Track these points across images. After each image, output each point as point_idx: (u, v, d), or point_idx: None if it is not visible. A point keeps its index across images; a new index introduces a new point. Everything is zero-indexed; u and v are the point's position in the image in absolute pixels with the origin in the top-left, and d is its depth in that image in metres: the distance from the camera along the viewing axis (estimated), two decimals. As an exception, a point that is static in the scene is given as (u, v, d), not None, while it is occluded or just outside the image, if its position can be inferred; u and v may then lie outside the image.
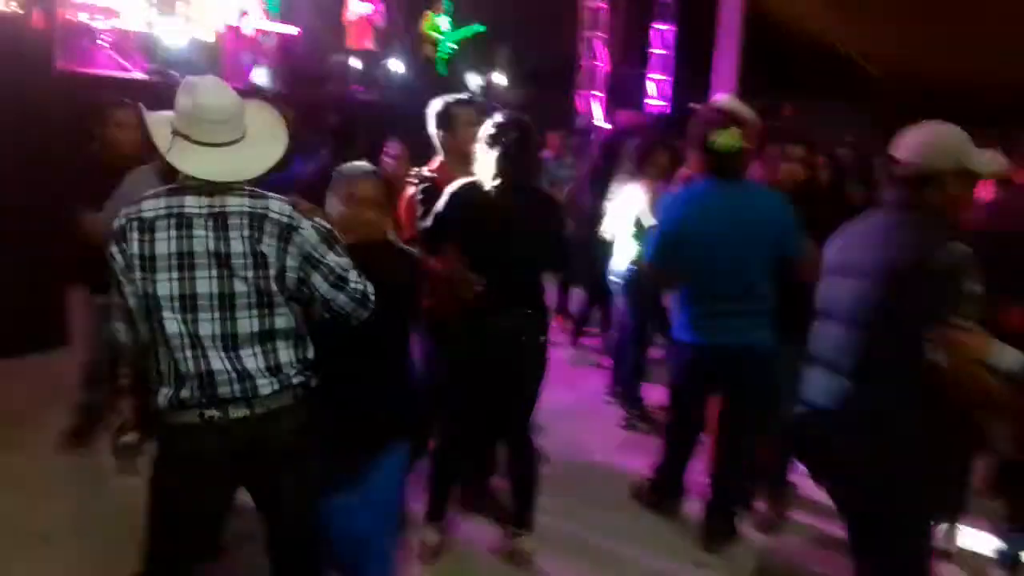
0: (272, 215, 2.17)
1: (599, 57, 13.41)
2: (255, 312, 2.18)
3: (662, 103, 14.36)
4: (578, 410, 5.31)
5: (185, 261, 2.13)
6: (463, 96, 3.74)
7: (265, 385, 2.20)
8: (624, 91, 13.44)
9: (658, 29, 14.33)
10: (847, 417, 2.37)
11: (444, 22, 11.42)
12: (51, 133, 5.62)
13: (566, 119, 12.33)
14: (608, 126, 12.41)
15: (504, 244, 3.18)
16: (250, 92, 8.19)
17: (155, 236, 2.13)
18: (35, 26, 7.78)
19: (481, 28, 11.42)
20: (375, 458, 2.62)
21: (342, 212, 2.58)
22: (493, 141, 3.21)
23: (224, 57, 9.41)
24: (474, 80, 11.51)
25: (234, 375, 2.17)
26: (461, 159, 3.46)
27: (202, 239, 2.13)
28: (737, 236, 3.34)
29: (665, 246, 3.46)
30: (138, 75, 8.42)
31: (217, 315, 2.15)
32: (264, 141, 2.27)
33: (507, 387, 3.34)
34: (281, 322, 2.23)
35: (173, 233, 2.13)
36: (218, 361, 2.16)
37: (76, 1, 8.44)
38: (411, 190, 3.63)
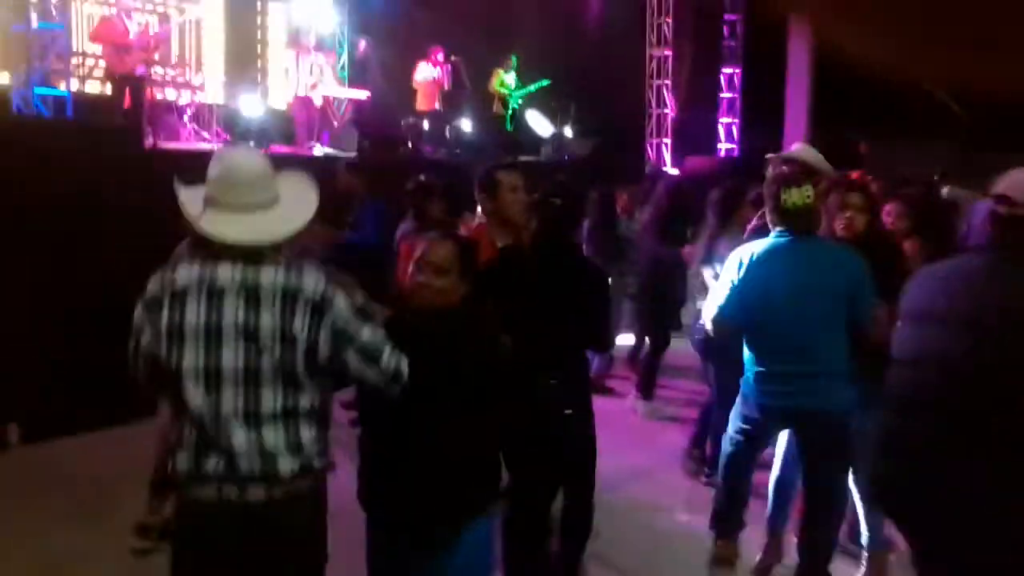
0: (305, 290, 2.16)
1: (667, 104, 13.39)
2: (280, 389, 2.16)
3: (733, 146, 14.25)
4: (654, 467, 5.16)
5: (212, 333, 2.13)
6: (509, 160, 3.79)
7: (286, 464, 2.17)
8: (693, 136, 13.37)
9: (726, 73, 14.27)
10: (957, 476, 2.20)
11: (511, 79, 11.59)
12: (144, 209, 5.83)
13: (636, 168, 12.31)
14: (677, 172, 12.36)
15: (534, 310, 3.11)
16: (322, 160, 8.43)
17: (185, 307, 2.15)
18: (125, 107, 8.22)
19: (546, 82, 11.54)
20: (460, 531, 2.52)
21: (412, 275, 2.54)
22: (537, 208, 3.24)
23: (297, 125, 9.72)
24: (539, 124, 11.58)
25: (255, 451, 2.14)
26: (501, 223, 3.52)
27: (231, 312, 2.13)
28: (801, 294, 3.27)
29: (732, 301, 3.42)
30: (218, 148, 8.76)
31: (241, 390, 2.14)
32: (292, 205, 2.27)
33: (539, 456, 3.25)
34: (305, 401, 2.20)
35: (203, 304, 2.14)
36: (240, 436, 2.14)
37: (161, 78, 8.88)
38: None
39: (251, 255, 2.17)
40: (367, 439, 2.61)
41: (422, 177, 5.19)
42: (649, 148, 13.29)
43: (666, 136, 13.35)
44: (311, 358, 2.16)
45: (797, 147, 5.11)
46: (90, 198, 5.63)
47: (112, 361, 5.48)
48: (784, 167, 4.07)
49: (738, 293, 3.38)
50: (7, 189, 5.26)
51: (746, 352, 3.48)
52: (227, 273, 2.16)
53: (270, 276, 2.16)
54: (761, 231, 3.68)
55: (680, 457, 5.18)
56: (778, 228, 3.39)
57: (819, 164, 4.54)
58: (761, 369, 3.39)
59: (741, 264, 3.42)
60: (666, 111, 13.39)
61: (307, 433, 2.21)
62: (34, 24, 6.58)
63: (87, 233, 5.60)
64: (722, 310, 3.46)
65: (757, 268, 3.36)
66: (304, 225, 2.26)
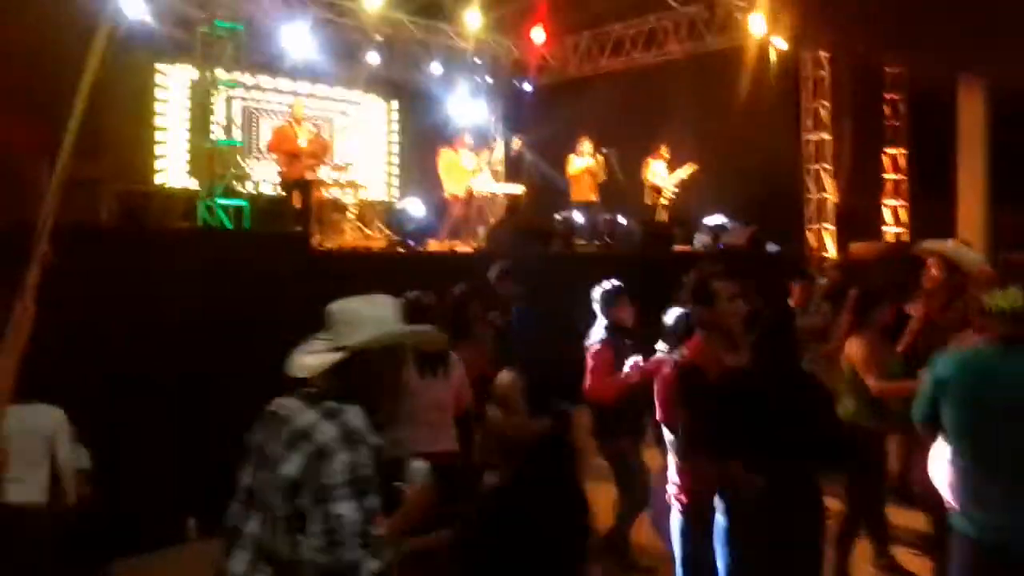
0: (313, 435, 2.08)
1: (826, 188, 12.87)
2: (267, 523, 2.13)
3: (901, 230, 13.50)
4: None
5: (256, 456, 2.21)
6: (717, 269, 3.59)
7: None
8: (857, 221, 12.74)
9: (889, 153, 13.64)
10: None
11: (661, 167, 11.52)
12: (311, 310, 6.02)
13: (796, 254, 11.85)
14: (838, 257, 11.79)
15: (775, 439, 2.94)
16: (476, 259, 8.52)
17: (259, 427, 2.25)
18: (294, 206, 8.70)
19: (693, 167, 11.40)
20: None
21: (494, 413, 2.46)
22: (749, 327, 3.07)
23: (455, 220, 9.96)
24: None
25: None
26: (721, 335, 3.32)
27: (269, 441, 2.18)
28: (1010, 411, 2.89)
29: (930, 403, 3.10)
30: (380, 246, 9.04)
31: (255, 513, 2.16)
32: (342, 336, 2.25)
33: None
34: (283, 547, 2.07)
35: (262, 427, 2.23)
36: (239, 563, 2.14)
37: (328, 179, 9.34)
38: (666, 369, 3.49)
39: (313, 393, 2.20)
40: None
41: (612, 283, 4.98)
42: (809, 234, 12.77)
43: (827, 221, 12.80)
44: (290, 503, 2.08)
45: (948, 242, 4.81)
46: (262, 300, 5.89)
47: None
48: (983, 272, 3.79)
49: (937, 394, 3.08)
50: (189, 294, 5.57)
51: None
52: (288, 403, 2.22)
53: (301, 414, 2.15)
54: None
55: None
56: (986, 334, 3.08)
57: (962, 260, 4.21)
58: (972, 497, 2.98)
59: (947, 366, 3.11)
60: (826, 195, 12.85)
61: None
62: (218, 140, 7.09)
63: (261, 335, 5.81)
64: (921, 412, 3.17)
65: (964, 374, 3.04)
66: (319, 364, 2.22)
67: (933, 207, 12.50)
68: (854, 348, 4.58)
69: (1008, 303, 2.98)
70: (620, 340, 4.69)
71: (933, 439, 3.23)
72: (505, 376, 2.47)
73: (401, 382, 2.41)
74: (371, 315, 2.27)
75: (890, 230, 13.60)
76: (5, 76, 7.27)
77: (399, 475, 2.39)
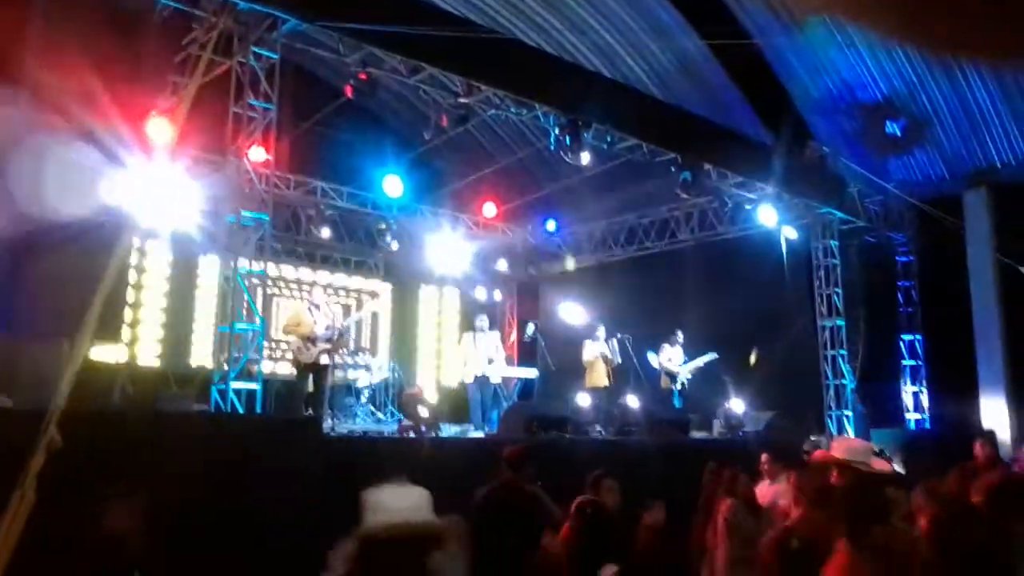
0: None
1: (844, 375, 12.75)
2: None
3: (923, 416, 13.27)
4: None
5: None
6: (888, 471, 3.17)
7: None
8: (878, 408, 12.55)
9: (905, 340, 13.63)
10: None
11: (676, 353, 11.54)
12: (321, 496, 5.83)
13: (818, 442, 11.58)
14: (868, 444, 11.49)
15: None
16: (488, 442, 8.37)
17: None
18: (306, 389, 8.69)
19: (714, 355, 11.41)
20: None
21: None
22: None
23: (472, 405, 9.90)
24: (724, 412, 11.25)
25: None
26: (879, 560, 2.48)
27: None
28: None
29: None
30: (391, 431, 8.93)
31: None
32: None
33: None
34: None
35: None
36: None
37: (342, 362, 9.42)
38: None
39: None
40: None
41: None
42: (830, 421, 12.53)
43: (847, 408, 12.58)
44: None
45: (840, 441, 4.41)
46: (273, 488, 5.74)
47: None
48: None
49: None
50: (204, 481, 5.43)
51: None
52: None
53: None
54: None
55: None
56: None
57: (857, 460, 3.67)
58: None
59: None
60: (844, 382, 12.72)
61: None
62: (235, 324, 7.20)
63: (274, 522, 5.63)
64: None
65: None
66: None
67: (956, 393, 12.35)
68: None
69: None
70: None
71: None
72: None
73: (425, 572, 2.25)
74: (391, 504, 2.22)
75: (912, 416, 13.38)
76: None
77: None
